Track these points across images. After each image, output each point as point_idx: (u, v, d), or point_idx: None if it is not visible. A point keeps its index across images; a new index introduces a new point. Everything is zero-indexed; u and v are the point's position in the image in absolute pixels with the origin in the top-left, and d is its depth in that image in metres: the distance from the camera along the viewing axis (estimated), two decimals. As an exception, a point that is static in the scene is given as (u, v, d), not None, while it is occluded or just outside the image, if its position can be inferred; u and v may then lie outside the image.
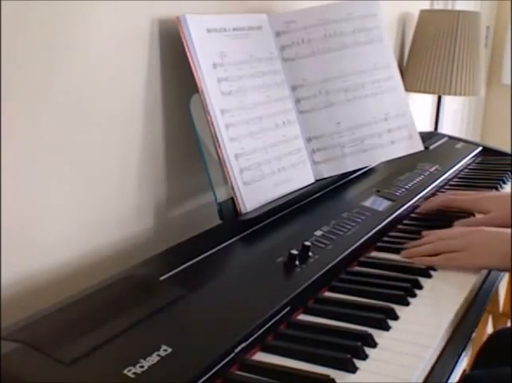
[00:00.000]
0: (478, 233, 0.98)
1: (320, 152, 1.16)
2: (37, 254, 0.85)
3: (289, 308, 0.77)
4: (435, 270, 0.94)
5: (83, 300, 0.71)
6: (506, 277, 1.78)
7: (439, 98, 2.21)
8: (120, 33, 0.92)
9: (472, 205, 1.12)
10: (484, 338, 1.20)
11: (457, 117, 2.85)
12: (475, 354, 1.12)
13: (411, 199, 1.19)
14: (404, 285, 0.87)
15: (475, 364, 1.10)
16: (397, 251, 1.00)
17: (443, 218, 1.12)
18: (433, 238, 1.00)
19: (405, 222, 1.14)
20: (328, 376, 0.65)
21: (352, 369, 0.67)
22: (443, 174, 1.39)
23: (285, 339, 0.73)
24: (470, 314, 0.85)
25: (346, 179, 1.21)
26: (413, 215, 1.17)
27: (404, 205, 1.16)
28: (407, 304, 0.83)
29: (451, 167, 1.45)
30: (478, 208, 1.12)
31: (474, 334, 0.83)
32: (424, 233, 1.04)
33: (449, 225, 1.08)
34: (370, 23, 1.23)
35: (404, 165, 1.32)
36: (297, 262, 0.86)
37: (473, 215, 1.13)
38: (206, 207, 1.06)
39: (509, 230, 0.95)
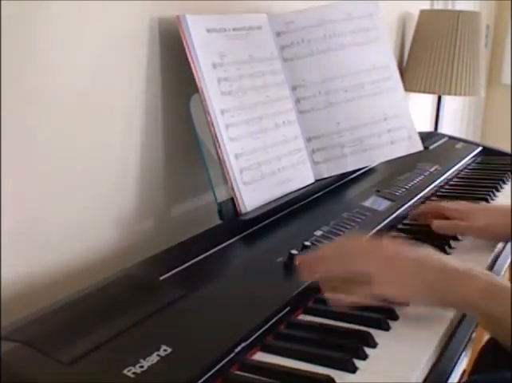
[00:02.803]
0: (400, 261, 0.78)
1: (320, 152, 1.16)
2: (37, 254, 0.85)
3: (289, 308, 0.77)
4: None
5: (83, 300, 0.71)
6: (505, 277, 1.78)
7: (439, 98, 2.21)
8: (120, 33, 0.92)
9: (462, 216, 1.06)
10: (484, 339, 1.19)
11: (457, 117, 2.85)
12: (475, 357, 1.11)
13: (411, 199, 1.19)
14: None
15: (476, 366, 1.09)
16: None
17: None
18: (335, 250, 0.82)
19: (405, 222, 1.14)
20: (328, 376, 0.65)
21: (352, 369, 0.67)
22: (443, 174, 1.38)
23: (285, 339, 0.73)
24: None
25: (346, 179, 1.21)
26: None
27: (404, 205, 1.16)
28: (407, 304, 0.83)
29: (451, 167, 1.45)
30: (468, 220, 1.04)
31: (474, 334, 0.83)
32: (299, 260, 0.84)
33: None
34: (369, 23, 1.23)
35: (404, 165, 1.32)
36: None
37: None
38: (206, 207, 1.06)
39: (429, 253, 0.81)
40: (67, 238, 0.89)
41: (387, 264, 0.78)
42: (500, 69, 3.02)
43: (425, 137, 1.40)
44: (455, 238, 1.06)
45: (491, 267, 1.01)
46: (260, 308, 0.75)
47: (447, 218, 1.07)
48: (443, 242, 1.02)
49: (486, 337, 1.04)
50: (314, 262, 0.81)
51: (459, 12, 1.94)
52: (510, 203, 1.13)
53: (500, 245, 1.06)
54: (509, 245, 1.07)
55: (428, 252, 0.82)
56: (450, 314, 0.81)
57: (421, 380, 0.69)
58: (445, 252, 1.00)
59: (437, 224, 1.05)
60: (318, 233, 0.96)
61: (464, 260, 0.97)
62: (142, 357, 0.61)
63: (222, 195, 0.98)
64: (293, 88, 1.14)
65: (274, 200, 1.03)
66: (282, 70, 1.12)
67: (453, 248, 1.03)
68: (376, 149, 1.22)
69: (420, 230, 1.10)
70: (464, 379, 0.88)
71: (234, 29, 1.05)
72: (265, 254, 0.89)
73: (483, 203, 1.26)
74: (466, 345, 0.79)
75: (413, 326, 0.78)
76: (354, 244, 0.83)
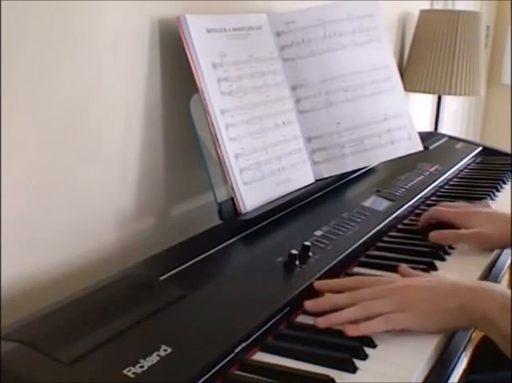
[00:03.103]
0: (410, 289, 0.78)
1: (320, 152, 1.16)
2: (37, 254, 0.85)
3: (289, 308, 0.77)
4: (436, 269, 0.94)
5: (83, 300, 0.71)
6: (506, 277, 1.77)
7: (439, 98, 2.21)
8: (120, 33, 0.92)
9: (461, 220, 1.06)
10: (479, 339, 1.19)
11: (457, 117, 2.85)
12: (472, 354, 1.11)
13: (411, 199, 1.19)
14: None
15: (472, 364, 1.09)
16: (397, 251, 1.00)
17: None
18: (349, 298, 0.79)
19: (405, 222, 1.14)
20: (328, 376, 0.65)
21: (352, 369, 0.67)
22: (443, 174, 1.38)
23: (285, 339, 0.73)
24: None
25: (346, 179, 1.21)
26: (413, 218, 1.16)
27: (404, 205, 1.15)
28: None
29: (451, 167, 1.45)
30: (467, 224, 1.05)
31: (474, 334, 0.83)
32: (324, 286, 0.83)
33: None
34: (369, 23, 1.23)
35: (404, 165, 1.32)
36: (297, 262, 0.86)
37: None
38: (206, 207, 1.06)
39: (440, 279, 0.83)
40: (67, 238, 0.89)
41: (400, 297, 0.77)
42: (500, 69, 3.02)
43: (425, 137, 1.40)
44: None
45: (491, 268, 1.01)
46: (260, 308, 0.75)
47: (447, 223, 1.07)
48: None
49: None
50: (327, 308, 0.78)
51: (459, 12, 1.94)
52: (509, 202, 1.13)
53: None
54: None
55: (439, 278, 0.83)
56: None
57: (421, 380, 0.69)
58: (445, 252, 1.00)
59: (434, 236, 1.03)
60: (318, 233, 0.96)
61: (464, 261, 0.98)
62: (142, 357, 0.61)
63: (222, 195, 0.98)
64: (293, 88, 1.14)
65: (274, 200, 1.03)
66: (282, 70, 1.12)
67: (453, 248, 1.03)
68: (376, 149, 1.22)
69: (420, 231, 1.10)
70: (464, 379, 0.89)
71: (234, 29, 1.05)
72: (265, 254, 0.89)
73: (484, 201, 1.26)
74: (466, 345, 0.79)
75: (413, 326, 0.78)
76: (366, 290, 0.80)
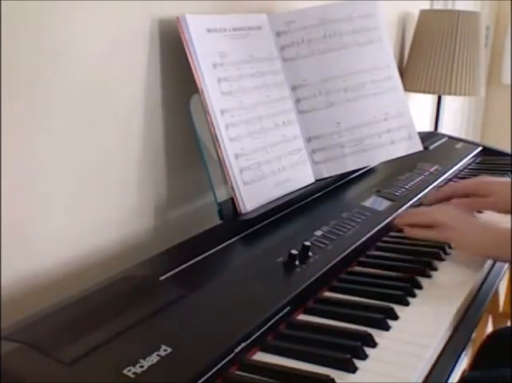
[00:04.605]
0: (470, 224, 0.99)
1: (320, 152, 1.16)
2: (38, 254, 0.85)
3: (289, 308, 0.77)
4: (435, 269, 0.94)
5: (83, 300, 0.71)
6: (506, 277, 1.78)
7: (439, 98, 2.21)
8: (120, 33, 0.92)
9: (475, 188, 1.11)
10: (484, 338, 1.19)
11: (457, 117, 2.85)
12: (474, 354, 1.12)
13: (411, 199, 1.19)
14: (404, 285, 0.87)
15: (474, 364, 1.10)
16: (397, 251, 1.00)
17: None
18: (427, 211, 1.03)
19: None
20: (328, 376, 0.65)
21: (352, 369, 0.67)
22: (443, 174, 1.38)
23: (285, 339, 0.73)
24: (470, 314, 0.85)
25: (346, 179, 1.21)
26: (418, 204, 1.17)
27: (404, 205, 1.16)
28: (406, 304, 0.83)
29: (451, 167, 1.45)
30: (482, 192, 1.10)
31: (474, 334, 0.83)
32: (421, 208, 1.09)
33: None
34: (370, 23, 1.23)
35: (404, 165, 1.32)
36: (297, 262, 0.86)
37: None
38: (206, 207, 1.06)
39: (498, 225, 0.99)
40: (67, 239, 0.89)
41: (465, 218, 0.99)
42: (500, 69, 3.02)
43: (425, 137, 1.41)
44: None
45: (492, 266, 1.01)
46: (260, 308, 0.75)
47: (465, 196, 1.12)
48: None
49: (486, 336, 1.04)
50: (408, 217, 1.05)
51: (459, 12, 1.94)
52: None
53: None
54: None
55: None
56: (449, 315, 0.81)
57: (421, 380, 0.69)
58: (444, 252, 1.01)
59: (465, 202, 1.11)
60: (318, 233, 0.96)
61: (464, 262, 0.98)
62: (142, 357, 0.61)
63: (222, 195, 0.98)
64: (293, 88, 1.14)
65: (274, 200, 1.03)
66: (282, 70, 1.12)
67: (452, 248, 1.03)
68: (376, 149, 1.22)
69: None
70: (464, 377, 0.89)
71: (234, 29, 1.05)
72: (265, 254, 0.89)
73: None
74: (466, 345, 0.79)
75: (413, 327, 0.78)
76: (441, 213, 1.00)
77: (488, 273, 0.99)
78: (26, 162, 0.81)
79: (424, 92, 1.98)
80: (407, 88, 1.92)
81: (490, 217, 1.10)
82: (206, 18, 1.01)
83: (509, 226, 0.97)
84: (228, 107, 1.00)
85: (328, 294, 0.86)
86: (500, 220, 1.07)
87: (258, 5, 1.19)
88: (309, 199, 1.10)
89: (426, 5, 2.21)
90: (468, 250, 0.97)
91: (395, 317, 0.79)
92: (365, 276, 0.91)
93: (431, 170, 1.38)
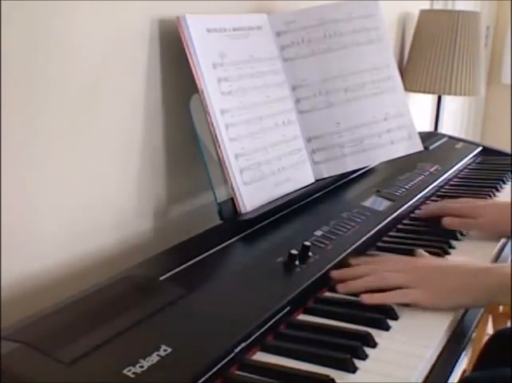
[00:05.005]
0: (427, 267, 0.85)
1: (320, 152, 1.16)
2: (37, 254, 0.85)
3: (289, 308, 0.77)
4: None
5: (83, 300, 0.71)
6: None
7: (439, 98, 2.21)
8: (120, 33, 0.92)
9: (469, 213, 1.09)
10: (484, 338, 1.19)
11: (457, 117, 2.85)
12: (476, 355, 1.12)
13: (411, 199, 1.19)
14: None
15: (476, 365, 1.10)
16: (397, 251, 1.00)
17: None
18: (371, 269, 0.86)
19: (405, 222, 1.14)
20: (328, 376, 0.65)
21: (352, 369, 0.67)
22: (443, 174, 1.38)
23: (285, 339, 0.73)
24: (470, 314, 0.85)
25: (346, 179, 1.21)
26: (413, 215, 1.17)
27: (404, 205, 1.15)
28: (407, 304, 0.83)
29: (451, 167, 1.45)
30: (475, 216, 1.08)
31: (474, 334, 0.83)
32: (353, 261, 0.90)
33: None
34: (370, 23, 1.23)
35: (404, 165, 1.32)
36: (297, 262, 0.86)
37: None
38: (206, 207, 1.06)
39: (462, 260, 0.91)
40: (67, 239, 0.89)
41: (417, 274, 0.84)
42: (500, 69, 3.02)
43: (425, 137, 1.40)
44: (456, 238, 1.07)
45: (495, 261, 1.01)
46: (260, 308, 0.75)
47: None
48: (444, 241, 1.03)
49: (486, 336, 1.04)
50: (350, 277, 0.86)
51: (459, 12, 1.94)
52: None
53: (504, 239, 1.08)
54: None
55: (456, 260, 0.92)
56: (449, 315, 0.81)
57: (421, 380, 0.69)
58: (445, 252, 1.01)
59: (447, 222, 1.08)
60: (318, 233, 0.96)
61: (469, 255, 0.98)
62: (142, 357, 0.61)
63: (222, 195, 0.98)
64: (293, 88, 1.14)
65: (274, 200, 1.03)
66: (282, 70, 1.12)
67: (453, 248, 1.03)
68: (376, 149, 1.22)
69: (420, 231, 1.10)
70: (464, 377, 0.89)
71: (234, 29, 1.05)
72: (265, 254, 0.89)
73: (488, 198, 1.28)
74: (466, 345, 0.79)
75: (413, 326, 0.78)
76: (387, 264, 0.89)
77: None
78: (26, 162, 0.81)
79: (424, 92, 1.98)
80: (407, 88, 1.92)
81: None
82: (206, 18, 1.01)
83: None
84: (228, 107, 1.00)
85: (328, 294, 0.86)
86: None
87: (258, 5, 1.19)
88: (309, 199, 1.10)
89: (426, 6, 2.21)
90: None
91: (396, 317, 0.79)
92: (365, 276, 0.91)
93: (431, 170, 1.38)
